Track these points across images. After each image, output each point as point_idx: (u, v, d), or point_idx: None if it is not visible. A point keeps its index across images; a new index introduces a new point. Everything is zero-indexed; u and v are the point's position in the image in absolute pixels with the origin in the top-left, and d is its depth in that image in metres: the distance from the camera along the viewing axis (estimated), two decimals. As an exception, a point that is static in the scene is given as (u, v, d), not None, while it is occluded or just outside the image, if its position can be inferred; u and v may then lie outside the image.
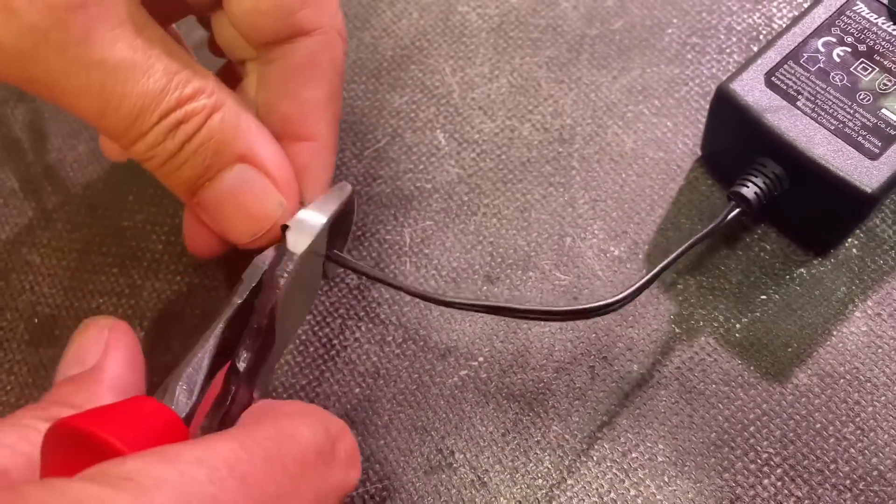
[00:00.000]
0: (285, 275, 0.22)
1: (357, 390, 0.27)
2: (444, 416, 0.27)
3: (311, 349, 0.28)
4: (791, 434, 0.25)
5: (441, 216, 0.30)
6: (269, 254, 0.23)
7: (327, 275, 0.28)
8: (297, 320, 0.26)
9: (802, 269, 0.28)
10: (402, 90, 0.33)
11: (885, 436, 0.25)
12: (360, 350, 0.28)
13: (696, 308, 0.27)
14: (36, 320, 0.30)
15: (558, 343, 0.27)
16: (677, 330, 0.27)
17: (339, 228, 0.26)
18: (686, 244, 0.25)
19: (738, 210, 0.26)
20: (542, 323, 0.28)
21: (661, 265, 0.24)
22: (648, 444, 0.25)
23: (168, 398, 0.20)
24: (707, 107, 0.31)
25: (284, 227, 0.23)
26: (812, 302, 0.27)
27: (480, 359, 0.27)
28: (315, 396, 0.27)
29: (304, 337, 0.29)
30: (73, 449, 0.17)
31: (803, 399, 0.26)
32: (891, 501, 0.24)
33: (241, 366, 0.22)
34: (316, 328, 0.29)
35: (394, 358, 0.28)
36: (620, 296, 0.24)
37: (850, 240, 0.28)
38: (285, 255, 0.22)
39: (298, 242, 0.23)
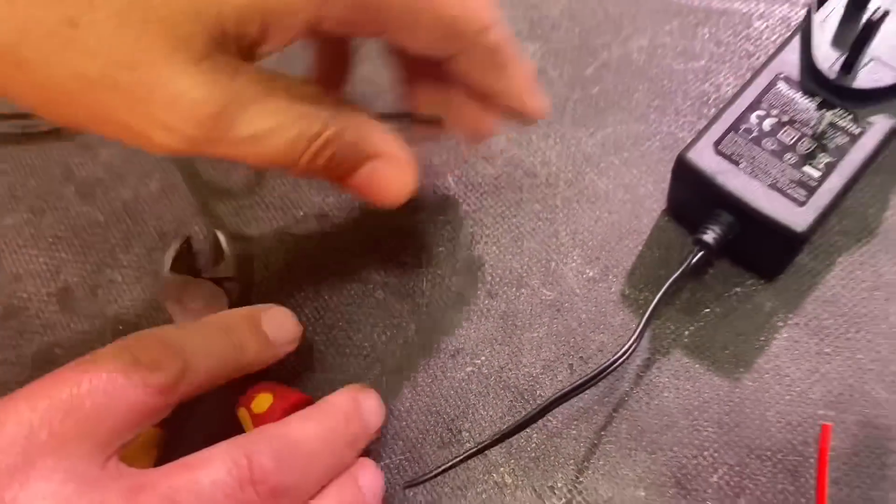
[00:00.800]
0: None
1: (384, 381, 0.34)
2: (453, 402, 0.34)
3: (347, 350, 0.35)
4: (726, 417, 0.32)
5: (450, 244, 0.37)
6: None
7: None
8: None
9: (738, 289, 0.35)
10: (421, 143, 0.40)
11: (798, 418, 0.32)
12: (387, 351, 0.35)
13: (653, 318, 0.34)
14: (120, 327, 0.37)
15: (545, 346, 0.34)
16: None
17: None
18: (663, 289, 0.31)
19: (701, 253, 0.33)
20: (533, 329, 0.35)
21: (647, 315, 0.31)
22: (614, 424, 0.32)
23: None
24: (666, 158, 0.38)
25: None
26: (745, 314, 0.34)
27: (483, 358, 0.34)
28: (350, 387, 0.34)
29: (340, 342, 0.36)
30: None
31: (737, 390, 0.33)
32: (801, 469, 0.31)
33: None
34: (350, 333, 0.36)
35: (413, 357, 0.35)
36: (622, 352, 0.30)
37: (775, 265, 0.35)
38: None
39: None
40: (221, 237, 0.37)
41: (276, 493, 0.25)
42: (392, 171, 0.29)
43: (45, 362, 0.37)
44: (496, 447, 0.32)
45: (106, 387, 0.24)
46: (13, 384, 0.36)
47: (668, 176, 0.36)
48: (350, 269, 0.37)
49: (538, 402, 0.33)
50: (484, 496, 0.32)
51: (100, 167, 0.42)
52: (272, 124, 0.24)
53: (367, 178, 0.29)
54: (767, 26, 0.41)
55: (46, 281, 0.39)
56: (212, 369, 0.28)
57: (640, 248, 0.36)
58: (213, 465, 0.25)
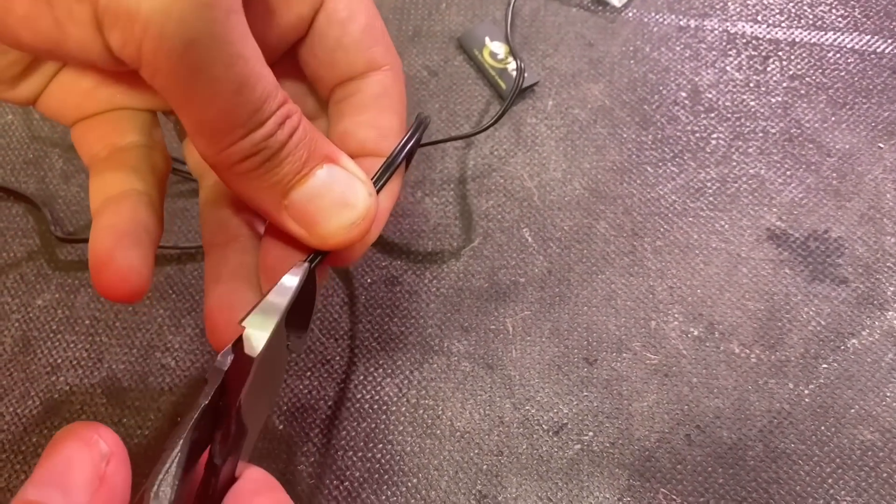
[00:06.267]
0: (246, 378, 0.22)
1: (485, 467, 0.31)
2: (564, 486, 0.31)
3: (437, 431, 0.32)
4: (863, 483, 0.30)
5: (537, 306, 0.35)
6: (229, 355, 0.23)
7: (295, 350, 0.27)
8: (269, 400, 0.26)
9: (855, 340, 0.33)
10: (487, 195, 0.38)
11: None
12: (482, 430, 0.32)
13: (768, 377, 0.32)
14: (179, 419, 0.34)
15: (657, 416, 0.32)
16: (752, 398, 0.32)
17: (301, 307, 0.25)
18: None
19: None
20: (642, 398, 0.32)
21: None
22: (738, 498, 0.30)
23: None
24: (755, 202, 0.36)
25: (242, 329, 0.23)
26: (864, 370, 0.32)
27: (590, 433, 0.32)
28: (450, 478, 0.31)
29: (429, 421, 0.32)
30: None
31: (869, 453, 0.30)
32: None
33: (219, 461, 0.22)
34: (439, 412, 0.33)
35: (514, 436, 0.32)
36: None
37: None
38: (243, 359, 0.22)
39: (254, 346, 0.22)
40: None
41: None
42: (351, 181, 0.23)
43: (96, 465, 0.33)
44: (621, 535, 0.29)
45: None
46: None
47: (762, 221, 0.34)
48: (428, 338, 0.34)
49: (658, 479, 0.31)
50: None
51: (137, 238, 0.38)
52: (259, 57, 0.20)
53: (323, 184, 0.22)
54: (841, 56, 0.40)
55: (88, 370, 0.35)
56: None
57: (743, 301, 0.34)
58: None
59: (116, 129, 0.25)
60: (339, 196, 0.22)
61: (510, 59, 0.40)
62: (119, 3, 0.17)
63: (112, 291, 0.22)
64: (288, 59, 0.26)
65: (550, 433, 0.32)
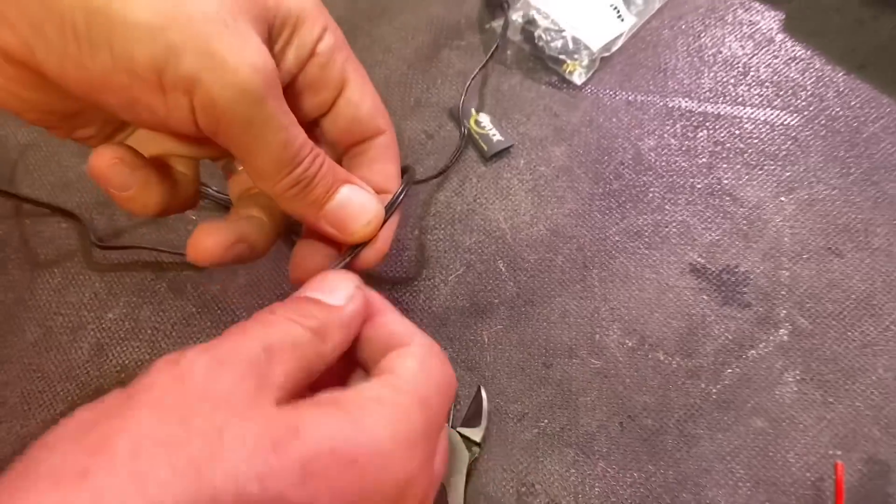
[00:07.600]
0: None
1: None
2: (524, 460, 0.39)
3: (427, 419, 0.41)
4: (754, 460, 0.39)
5: (507, 322, 0.44)
6: None
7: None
8: None
9: (753, 351, 0.42)
10: (470, 234, 0.47)
11: (813, 458, 0.38)
12: (461, 418, 0.41)
13: (685, 379, 0.41)
14: (223, 407, 0.42)
15: (597, 408, 0.41)
16: (672, 395, 0.41)
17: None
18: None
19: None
20: (586, 394, 0.41)
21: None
22: (658, 470, 0.39)
23: None
24: (682, 242, 0.45)
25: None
26: (759, 374, 0.41)
27: (546, 420, 0.40)
28: (434, 451, 0.40)
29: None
30: None
31: (760, 437, 0.39)
32: (820, 501, 0.37)
33: None
34: (429, 404, 0.41)
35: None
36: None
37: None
38: None
39: None
40: (485, 399, 0.41)
41: None
42: (365, 194, 0.32)
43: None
44: (566, 500, 0.38)
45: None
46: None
47: (686, 258, 0.44)
48: (422, 347, 0.43)
49: (597, 455, 0.39)
50: (558, 540, 0.37)
51: (187, 267, 0.48)
52: (292, 119, 0.29)
53: (346, 197, 0.32)
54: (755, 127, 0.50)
55: (150, 369, 0.44)
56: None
57: (668, 319, 0.43)
58: None
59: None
60: (358, 204, 0.32)
61: (492, 127, 0.50)
62: (207, 98, 0.26)
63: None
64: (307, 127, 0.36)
65: (515, 420, 0.41)
